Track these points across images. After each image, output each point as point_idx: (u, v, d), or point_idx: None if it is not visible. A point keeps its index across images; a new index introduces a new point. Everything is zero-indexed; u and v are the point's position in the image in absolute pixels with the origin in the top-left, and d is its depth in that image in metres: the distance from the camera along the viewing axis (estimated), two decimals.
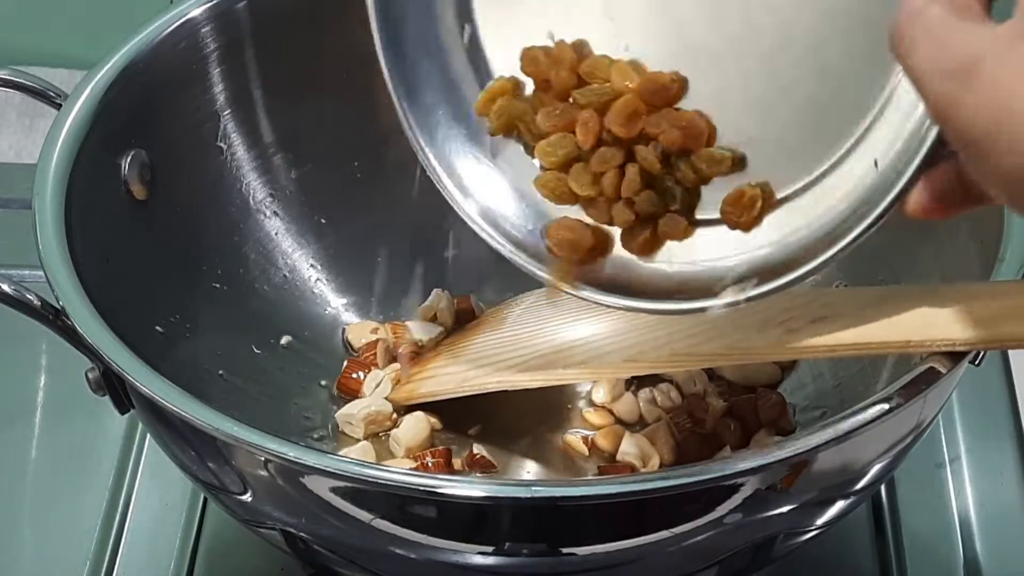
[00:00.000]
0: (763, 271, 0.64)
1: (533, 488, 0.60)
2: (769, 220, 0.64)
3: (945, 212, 0.58)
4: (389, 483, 0.60)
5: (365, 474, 0.60)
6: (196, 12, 0.79)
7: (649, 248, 0.66)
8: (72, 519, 0.81)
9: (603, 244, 0.67)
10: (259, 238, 0.84)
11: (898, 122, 0.59)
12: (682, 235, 0.66)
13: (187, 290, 0.79)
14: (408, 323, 0.85)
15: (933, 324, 0.63)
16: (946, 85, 0.49)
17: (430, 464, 0.76)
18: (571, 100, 0.65)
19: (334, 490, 0.62)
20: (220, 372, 0.78)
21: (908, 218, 0.58)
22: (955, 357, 0.63)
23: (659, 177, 0.65)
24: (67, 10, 1.08)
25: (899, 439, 0.66)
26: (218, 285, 0.81)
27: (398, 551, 0.64)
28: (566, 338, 0.75)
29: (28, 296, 0.68)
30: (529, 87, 0.67)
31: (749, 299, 0.63)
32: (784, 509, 0.65)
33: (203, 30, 0.80)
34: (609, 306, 0.68)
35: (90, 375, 0.69)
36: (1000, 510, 0.81)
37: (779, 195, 0.63)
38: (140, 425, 0.82)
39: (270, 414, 0.79)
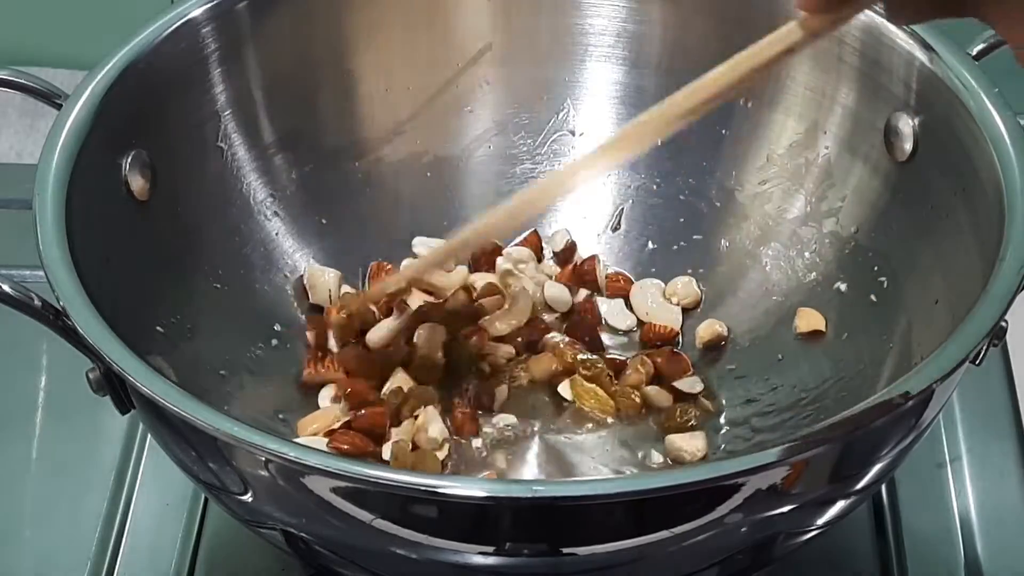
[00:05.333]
0: None
1: (533, 488, 0.60)
2: None
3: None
4: (389, 483, 0.60)
5: (365, 474, 0.60)
6: (196, 12, 0.79)
7: None
8: (72, 519, 0.81)
9: None
10: (260, 238, 0.84)
11: None
12: None
13: (188, 290, 0.79)
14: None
15: None
16: None
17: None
18: None
19: (334, 490, 0.62)
20: (220, 372, 0.78)
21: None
22: (954, 368, 0.63)
23: None
24: (67, 10, 1.08)
25: (899, 439, 0.66)
26: (219, 285, 0.81)
27: (399, 551, 0.64)
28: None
29: (28, 296, 0.68)
30: None
31: None
32: (784, 509, 0.65)
33: (203, 30, 0.80)
34: None
35: (90, 375, 0.69)
36: (1001, 510, 0.81)
37: None
38: (140, 425, 0.82)
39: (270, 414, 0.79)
